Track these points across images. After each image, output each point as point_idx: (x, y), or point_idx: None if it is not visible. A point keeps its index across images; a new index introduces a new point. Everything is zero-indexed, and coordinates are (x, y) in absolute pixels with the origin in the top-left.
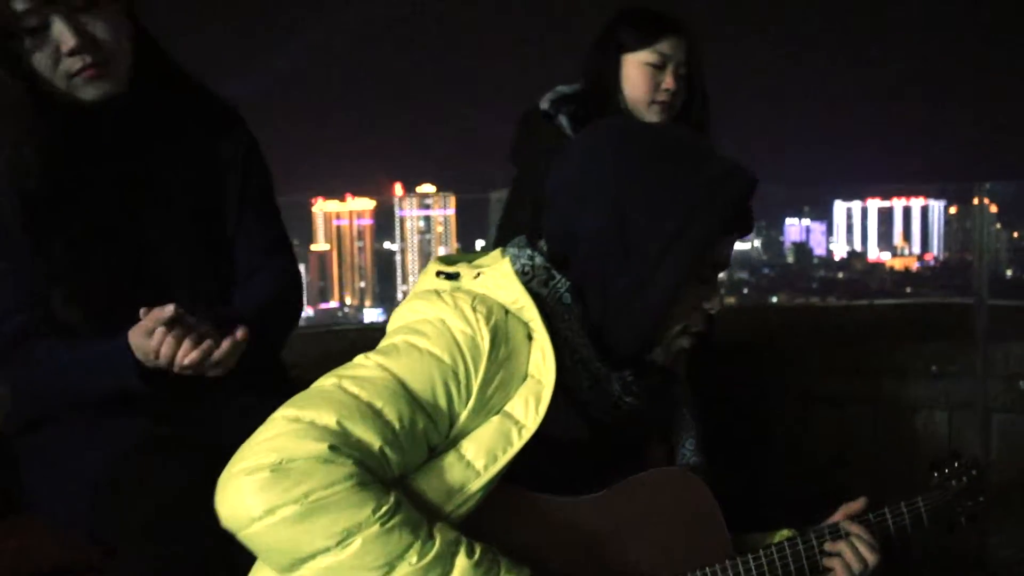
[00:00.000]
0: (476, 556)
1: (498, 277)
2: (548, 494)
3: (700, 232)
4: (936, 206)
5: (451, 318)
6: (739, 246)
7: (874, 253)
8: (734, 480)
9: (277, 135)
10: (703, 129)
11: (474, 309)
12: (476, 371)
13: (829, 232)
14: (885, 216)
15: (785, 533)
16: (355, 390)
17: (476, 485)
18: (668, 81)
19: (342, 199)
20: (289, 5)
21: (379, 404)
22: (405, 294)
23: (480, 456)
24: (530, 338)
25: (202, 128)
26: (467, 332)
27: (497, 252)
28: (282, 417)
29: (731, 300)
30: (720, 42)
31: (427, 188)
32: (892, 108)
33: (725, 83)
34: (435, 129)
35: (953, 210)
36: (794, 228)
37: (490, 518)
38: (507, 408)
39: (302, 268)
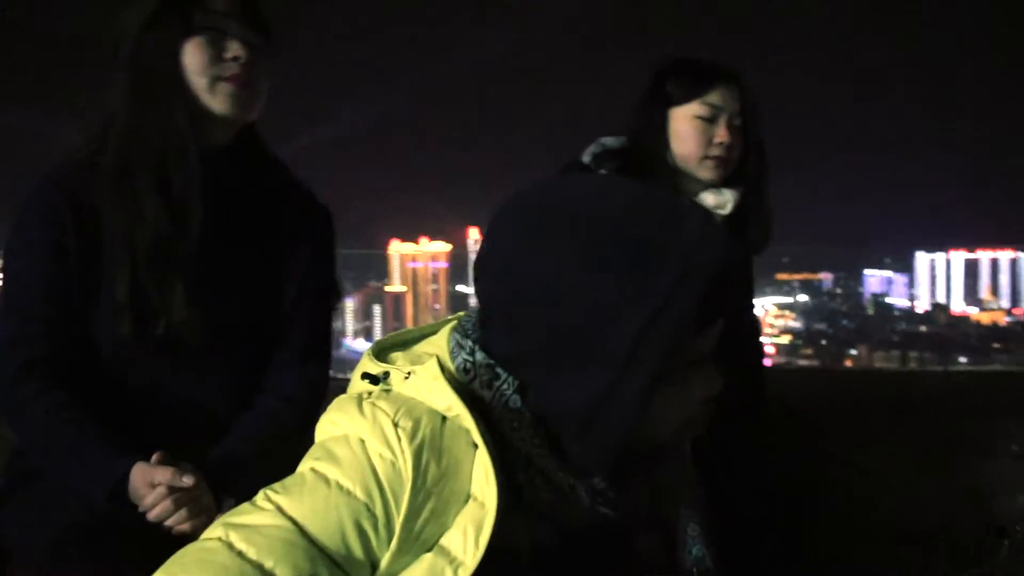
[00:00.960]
0: None
1: (428, 380)
2: None
3: (671, 325)
4: None
5: (370, 438)
6: (781, 299)
7: (959, 306)
8: (770, 563)
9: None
10: (761, 184)
11: (395, 424)
12: (398, 506)
13: (911, 284)
14: (971, 268)
15: None
16: (241, 547)
17: None
18: (721, 134)
19: (415, 242)
20: (373, 58)
21: (269, 564)
22: None
23: None
24: (476, 446)
25: (285, 208)
26: (386, 456)
27: (444, 332)
28: None
29: (808, 351)
30: (787, 85)
31: None
32: (975, 159)
33: (793, 131)
34: (508, 173)
35: None
36: (874, 279)
37: None
38: (443, 541)
39: (377, 309)
